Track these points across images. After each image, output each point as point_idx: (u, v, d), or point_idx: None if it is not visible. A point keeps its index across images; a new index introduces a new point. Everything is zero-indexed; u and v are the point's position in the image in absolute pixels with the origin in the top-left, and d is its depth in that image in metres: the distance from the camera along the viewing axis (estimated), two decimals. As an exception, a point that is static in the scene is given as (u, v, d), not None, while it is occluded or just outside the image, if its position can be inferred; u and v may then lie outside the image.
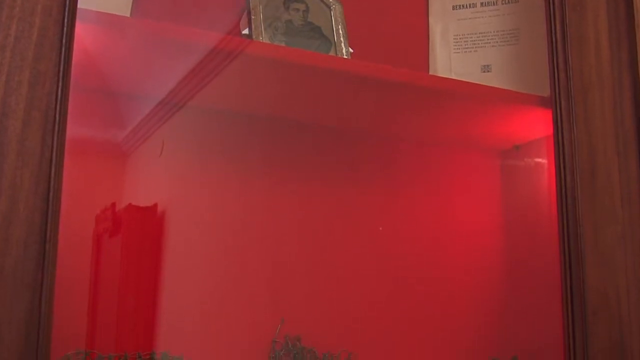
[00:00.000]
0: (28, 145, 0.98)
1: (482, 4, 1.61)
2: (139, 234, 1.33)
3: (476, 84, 1.46)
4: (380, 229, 1.54)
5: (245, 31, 1.32)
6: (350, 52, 1.41)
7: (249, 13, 1.33)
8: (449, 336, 1.54)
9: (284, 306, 1.41)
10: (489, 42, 1.59)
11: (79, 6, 1.03)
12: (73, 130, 1.05)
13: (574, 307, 1.30)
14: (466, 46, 1.61)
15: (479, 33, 1.60)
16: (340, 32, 1.40)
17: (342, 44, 1.40)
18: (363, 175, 1.55)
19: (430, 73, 1.60)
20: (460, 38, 1.61)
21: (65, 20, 1.02)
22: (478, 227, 1.63)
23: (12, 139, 0.97)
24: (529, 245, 1.57)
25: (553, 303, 1.36)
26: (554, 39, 1.37)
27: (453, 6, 1.62)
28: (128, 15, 1.22)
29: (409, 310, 1.52)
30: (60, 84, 1.00)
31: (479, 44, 1.60)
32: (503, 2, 1.59)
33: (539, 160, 1.59)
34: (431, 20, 1.64)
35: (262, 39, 1.31)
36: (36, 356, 0.94)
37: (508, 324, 1.57)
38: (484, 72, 1.58)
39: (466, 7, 1.62)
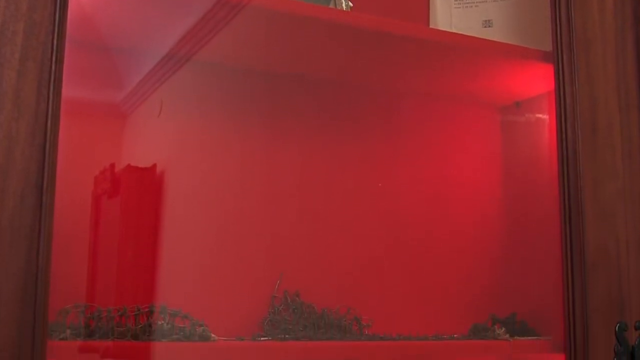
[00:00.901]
0: (23, 96, 0.97)
1: (483, -43, 1.59)
2: (138, 194, 1.32)
3: (477, 37, 1.44)
4: (380, 185, 1.53)
5: (244, -16, 1.30)
6: (350, 6, 1.39)
7: (247, -35, 1.31)
8: (448, 292, 1.54)
9: (283, 261, 1.41)
10: (490, -3, 1.58)
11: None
12: (72, 90, 1.04)
13: (573, 262, 1.30)
14: (467, 1, 1.58)
15: (480, -13, 1.58)
16: (340, -15, 1.39)
17: (342, -3, 1.38)
18: (362, 129, 1.54)
19: (431, 28, 1.58)
20: (461, -8, 1.60)
21: (60, -32, 1.00)
22: (478, 183, 1.63)
23: (8, 89, 0.96)
24: (529, 200, 1.56)
25: (553, 258, 1.36)
26: (556, -8, 1.35)
27: (454, -40, 1.61)
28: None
29: (408, 265, 1.52)
30: (55, 34, 0.99)
31: (480, -2, 1.58)
32: (504, -45, 1.57)
33: (540, 116, 1.58)
34: (432, -26, 1.62)
35: (261, -8, 1.29)
36: (34, 309, 0.94)
37: (507, 280, 1.57)
38: (485, 27, 1.56)
39: (467, -40, 1.60)
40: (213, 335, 1.17)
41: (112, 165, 1.29)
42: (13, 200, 0.95)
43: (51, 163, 0.97)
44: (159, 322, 1.14)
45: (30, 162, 0.96)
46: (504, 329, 1.42)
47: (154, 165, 1.32)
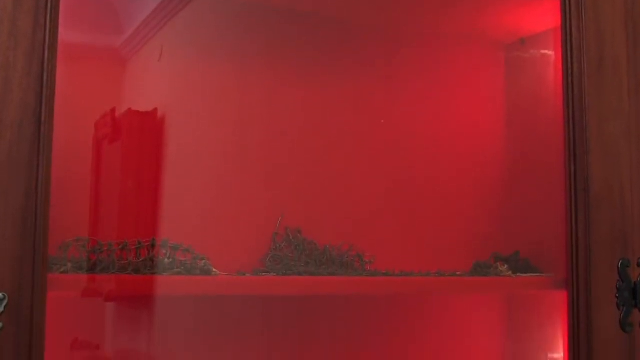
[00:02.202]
0: (20, 25, 0.95)
1: None
2: (139, 137, 1.31)
3: (483, -29, 1.42)
4: (382, 121, 1.52)
5: None
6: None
7: None
8: (450, 230, 1.54)
9: (285, 199, 1.41)
10: None
11: None
12: (71, 35, 1.04)
13: (577, 199, 1.29)
14: None
15: None
16: None
17: None
18: (365, 66, 1.52)
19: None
20: None
21: None
22: (481, 120, 1.61)
23: (3, 18, 0.94)
24: (533, 138, 1.55)
25: (556, 197, 1.36)
26: None
27: None
28: None
29: (410, 203, 1.52)
30: (52, -41, 0.97)
31: None
32: None
33: (545, 52, 1.55)
34: None
35: None
36: (34, 242, 0.94)
37: (510, 219, 1.57)
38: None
39: None
40: (214, 269, 1.16)
41: (113, 110, 1.27)
42: (11, 132, 0.94)
43: (49, 94, 0.96)
44: (160, 257, 1.13)
45: (28, 93, 0.95)
46: (506, 266, 1.41)
47: (155, 110, 1.30)
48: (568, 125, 1.31)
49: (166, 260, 1.13)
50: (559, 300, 1.34)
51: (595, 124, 1.30)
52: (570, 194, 1.30)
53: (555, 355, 1.43)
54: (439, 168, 1.55)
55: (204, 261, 1.15)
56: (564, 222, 1.32)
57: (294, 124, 1.46)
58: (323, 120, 1.48)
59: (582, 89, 1.30)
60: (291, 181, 1.43)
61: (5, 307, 0.91)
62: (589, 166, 1.29)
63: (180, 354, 1.28)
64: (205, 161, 1.36)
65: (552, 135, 1.38)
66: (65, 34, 0.99)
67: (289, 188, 1.42)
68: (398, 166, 1.52)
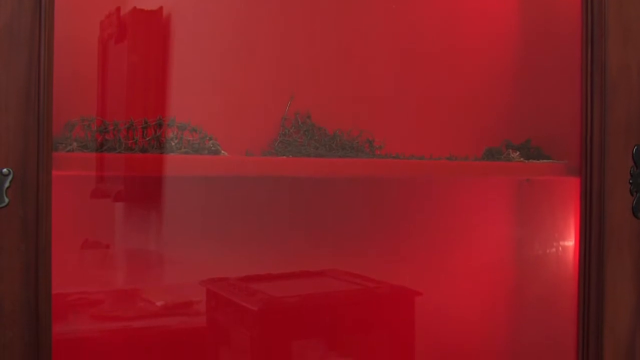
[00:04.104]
0: None
1: None
2: (145, 36, 1.28)
3: None
4: (394, 6, 1.48)
5: None
6: None
7: None
8: (462, 117, 1.51)
9: (294, 83, 1.38)
10: None
11: None
12: None
13: (593, 82, 1.27)
14: None
15: None
16: None
17: None
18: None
19: None
20: None
21: None
22: (495, 3, 1.56)
23: None
24: (549, 21, 1.51)
25: (571, 83, 1.33)
26: None
27: None
28: None
29: (422, 89, 1.49)
30: None
31: None
32: None
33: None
34: None
35: None
36: (38, 117, 0.93)
37: (523, 105, 1.54)
38: None
39: None
40: (223, 150, 1.14)
41: (118, 9, 1.24)
42: (11, 3, 0.91)
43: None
44: (167, 137, 1.11)
45: (27, -40, 0.92)
46: (518, 153, 1.39)
47: (161, 8, 1.26)
48: (586, 7, 1.28)
49: (173, 142, 1.11)
50: (571, 187, 1.33)
51: (614, 6, 1.26)
52: (586, 78, 1.28)
53: (567, 243, 1.42)
54: (451, 52, 1.51)
55: (212, 141, 1.13)
56: (578, 109, 1.30)
57: (305, 9, 1.42)
58: (334, 4, 1.44)
59: (601, -31, 1.26)
60: (301, 66, 1.39)
61: (10, 182, 0.90)
62: (607, 50, 1.26)
63: (187, 235, 1.28)
64: (214, 45, 1.33)
65: (569, 18, 1.35)
66: None
67: (299, 73, 1.39)
68: (410, 51, 1.48)
